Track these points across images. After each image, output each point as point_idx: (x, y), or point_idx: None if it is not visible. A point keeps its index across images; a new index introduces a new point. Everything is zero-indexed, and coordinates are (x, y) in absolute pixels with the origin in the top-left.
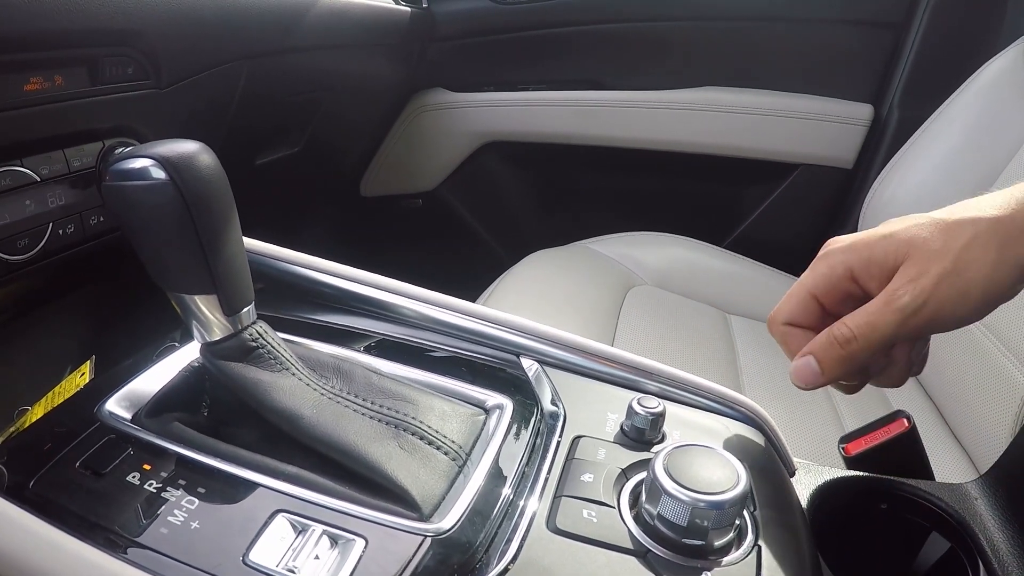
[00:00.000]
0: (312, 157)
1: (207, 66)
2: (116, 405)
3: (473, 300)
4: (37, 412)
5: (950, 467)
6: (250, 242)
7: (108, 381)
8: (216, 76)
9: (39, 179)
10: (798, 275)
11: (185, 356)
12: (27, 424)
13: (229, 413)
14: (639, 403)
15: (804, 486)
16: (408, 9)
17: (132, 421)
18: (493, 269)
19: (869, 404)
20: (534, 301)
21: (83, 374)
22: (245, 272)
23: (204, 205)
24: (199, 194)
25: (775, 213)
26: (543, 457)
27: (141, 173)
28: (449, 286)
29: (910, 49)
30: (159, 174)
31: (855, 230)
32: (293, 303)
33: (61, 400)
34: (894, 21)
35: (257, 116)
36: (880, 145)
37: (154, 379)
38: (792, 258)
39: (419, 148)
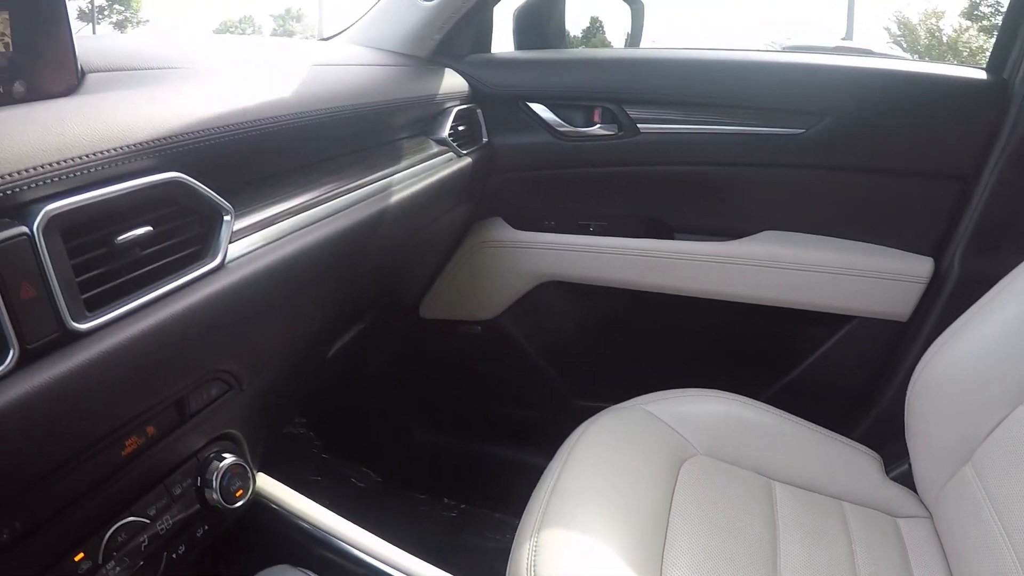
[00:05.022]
0: (377, 281)
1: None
2: None
3: (531, 452)
4: None
5: None
6: None
7: None
8: None
9: (148, 520)
10: (846, 433)
11: None
12: None
13: None
14: None
15: None
16: (470, 159)
17: None
18: (547, 401)
19: None
20: (600, 481)
21: None
22: None
23: None
24: None
25: (825, 364)
26: None
27: None
28: (503, 420)
29: (977, 202)
30: None
31: (905, 386)
32: None
33: None
34: (962, 173)
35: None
36: (938, 300)
37: None
38: (841, 411)
39: (479, 279)
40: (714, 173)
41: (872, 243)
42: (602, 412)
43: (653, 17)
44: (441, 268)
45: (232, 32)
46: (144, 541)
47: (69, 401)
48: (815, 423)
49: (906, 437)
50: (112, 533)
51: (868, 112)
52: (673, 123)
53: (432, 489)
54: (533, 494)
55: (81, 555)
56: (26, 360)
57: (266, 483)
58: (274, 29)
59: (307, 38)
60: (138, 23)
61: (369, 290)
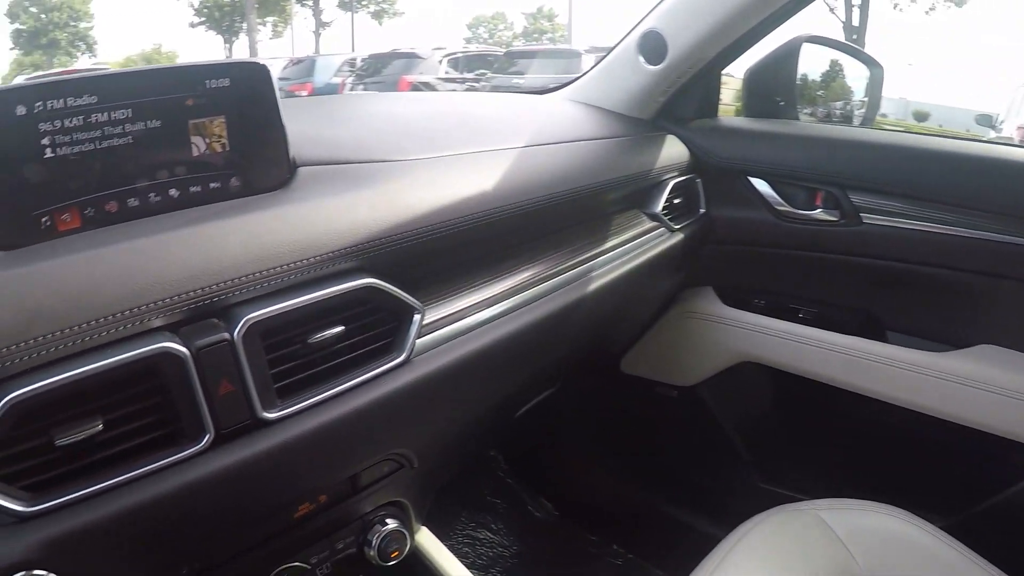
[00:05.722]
0: (575, 353)
1: None
2: None
3: (704, 519)
4: None
5: None
6: None
7: None
8: None
9: (309, 566)
10: None
11: None
12: None
13: None
14: None
15: None
16: (682, 235)
17: None
18: (729, 474)
19: None
20: None
21: None
22: None
23: None
24: None
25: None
26: None
27: None
28: (683, 482)
29: None
30: None
31: None
32: None
33: None
34: None
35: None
36: None
37: None
38: None
39: (681, 347)
40: (939, 276)
41: None
42: (776, 509)
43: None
44: (646, 330)
45: (484, 26)
46: None
47: (252, 479)
48: (1001, 568)
49: None
50: (277, 574)
51: None
52: (900, 216)
53: (604, 533)
54: (696, 570)
55: None
56: (219, 442)
57: (425, 539)
58: (525, 27)
59: (556, 39)
60: (394, 15)
61: (562, 363)
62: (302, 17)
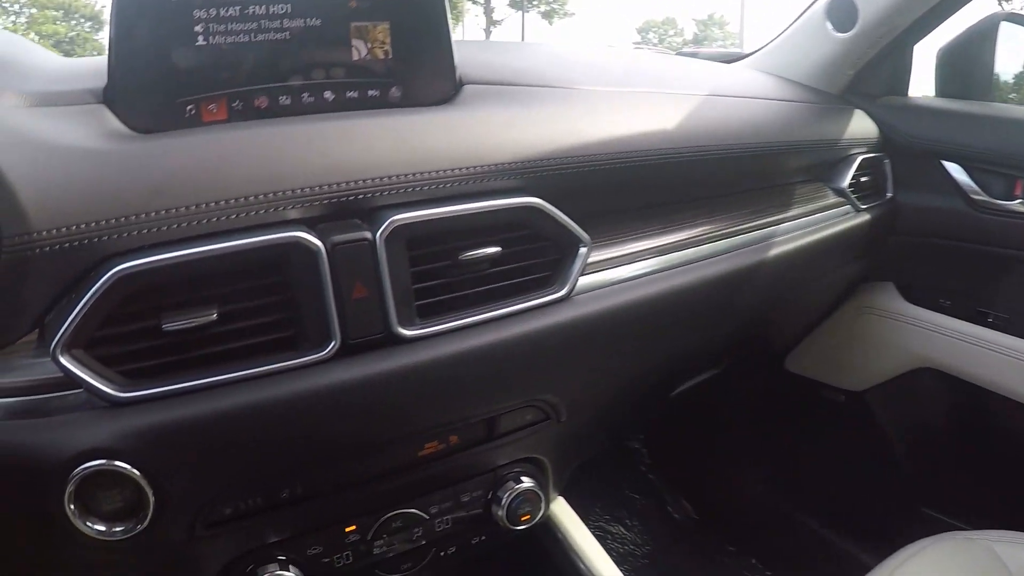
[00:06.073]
0: (740, 331)
1: None
2: None
3: (855, 542)
4: None
5: None
6: None
7: None
8: None
9: (427, 516)
10: None
11: None
12: None
13: None
14: None
15: None
16: (869, 216)
17: None
18: (891, 493)
19: None
20: None
21: None
22: None
23: None
24: None
25: None
26: None
27: None
28: (838, 497)
29: None
30: None
31: None
32: None
33: None
34: None
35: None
36: None
37: None
38: None
39: (854, 347)
40: None
41: None
42: (942, 537)
43: None
44: (816, 324)
45: (654, 31)
46: (418, 533)
47: (377, 401)
48: None
49: None
50: (389, 518)
51: None
52: None
53: (744, 544)
54: None
55: (353, 528)
56: (345, 353)
57: (560, 509)
58: (695, 33)
59: (727, 46)
60: (564, 15)
61: (729, 339)
62: (473, 15)
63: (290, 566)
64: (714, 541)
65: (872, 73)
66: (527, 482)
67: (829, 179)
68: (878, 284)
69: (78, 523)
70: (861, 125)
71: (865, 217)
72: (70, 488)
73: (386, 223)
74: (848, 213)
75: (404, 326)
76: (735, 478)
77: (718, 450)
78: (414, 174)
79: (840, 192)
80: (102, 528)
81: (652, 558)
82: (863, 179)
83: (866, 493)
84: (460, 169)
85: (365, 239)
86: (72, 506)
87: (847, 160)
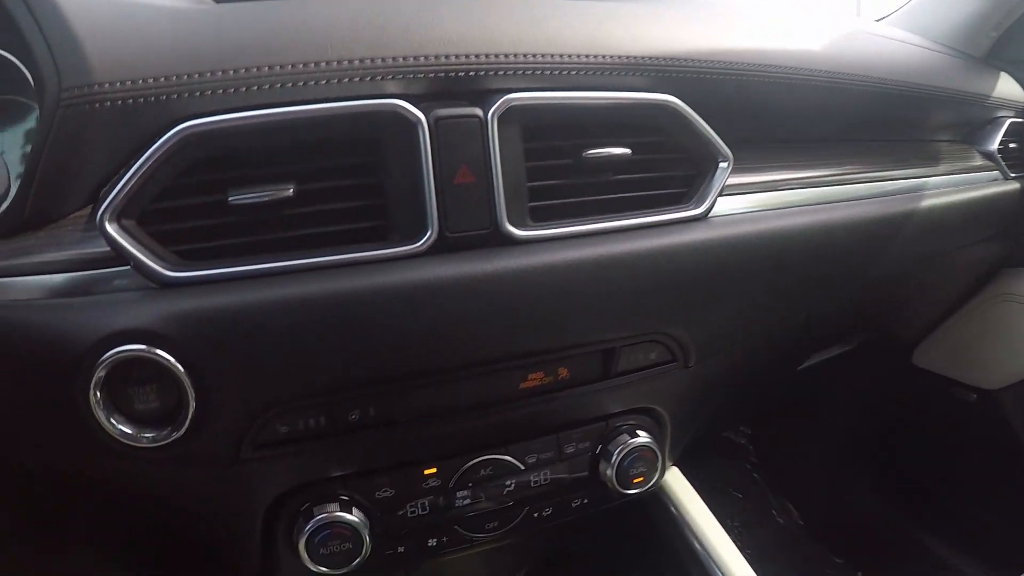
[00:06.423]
0: (871, 305)
1: None
2: None
3: (972, 562)
4: None
5: None
6: None
7: None
8: None
9: (523, 466)
10: None
11: None
12: None
13: None
14: None
15: None
16: (1019, 185)
17: None
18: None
19: None
20: None
21: None
22: None
23: None
24: None
25: None
26: None
27: None
28: (960, 509)
29: None
30: None
31: None
32: None
33: None
34: None
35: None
36: None
37: None
38: None
39: (991, 339)
40: None
41: None
42: None
43: None
44: (949, 314)
45: None
46: (510, 486)
47: (475, 308)
48: None
49: None
50: (476, 464)
51: None
52: None
53: (852, 558)
54: None
55: (434, 470)
56: (441, 247)
57: (675, 479)
58: None
59: None
60: None
61: (858, 310)
62: None
63: (353, 508)
64: (819, 551)
65: (1018, 37)
66: (643, 437)
67: (976, 141)
68: (1021, 270)
69: (100, 416)
70: (1008, 87)
71: (1015, 185)
72: (99, 373)
73: (501, 100)
74: (997, 179)
75: (515, 224)
76: (847, 484)
77: (830, 450)
78: (538, 55)
79: (988, 155)
80: (127, 430)
81: (752, 565)
82: (1011, 145)
83: (997, 509)
84: (589, 57)
85: (475, 115)
86: (99, 394)
87: (995, 123)
